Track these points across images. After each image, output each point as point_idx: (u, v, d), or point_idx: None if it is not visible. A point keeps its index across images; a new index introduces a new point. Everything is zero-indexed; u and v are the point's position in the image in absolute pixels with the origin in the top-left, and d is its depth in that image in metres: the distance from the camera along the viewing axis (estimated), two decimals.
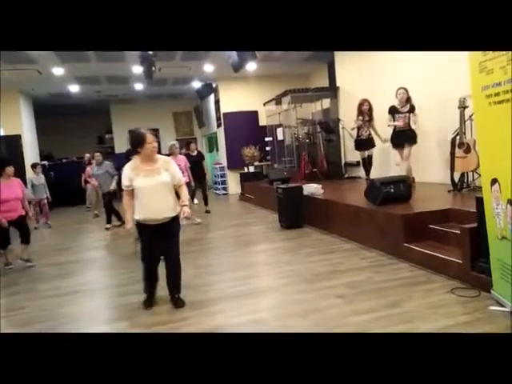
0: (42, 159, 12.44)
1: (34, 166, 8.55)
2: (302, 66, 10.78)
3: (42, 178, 8.36)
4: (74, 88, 11.07)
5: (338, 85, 9.33)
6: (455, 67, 5.49)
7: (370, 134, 6.77)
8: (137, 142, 3.24)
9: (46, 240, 5.50)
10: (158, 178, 3.25)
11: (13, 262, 5.21)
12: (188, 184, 6.65)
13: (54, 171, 12.13)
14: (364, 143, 6.82)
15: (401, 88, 5.91)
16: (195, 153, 8.11)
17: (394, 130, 6.02)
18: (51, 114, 13.60)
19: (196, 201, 8.05)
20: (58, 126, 14.36)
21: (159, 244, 3.40)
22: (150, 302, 3.51)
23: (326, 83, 10.33)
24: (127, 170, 3.31)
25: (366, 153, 6.89)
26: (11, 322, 3.47)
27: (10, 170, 5.13)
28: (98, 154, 7.77)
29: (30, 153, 11.21)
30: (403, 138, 5.95)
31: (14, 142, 10.60)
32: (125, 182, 3.32)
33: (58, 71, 9.03)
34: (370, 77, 7.85)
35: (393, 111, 5.99)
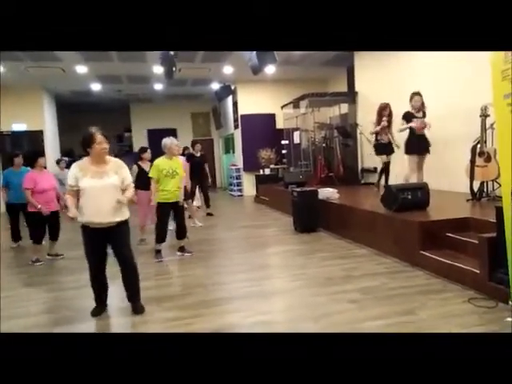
0: (62, 155, 12.69)
1: (58, 161, 8.85)
2: (320, 70, 10.77)
3: (66, 173, 8.59)
4: (96, 86, 11.29)
5: (356, 90, 9.29)
6: (477, 74, 5.42)
7: (389, 139, 6.58)
8: (86, 142, 3.10)
9: (67, 234, 5.59)
10: (105, 180, 3.12)
11: (41, 258, 5.18)
12: (185, 187, 6.63)
13: None
14: (385, 147, 6.59)
15: (416, 94, 5.67)
16: (199, 154, 8.03)
17: (412, 134, 5.75)
18: (73, 111, 13.89)
19: (196, 202, 7.93)
20: (78, 123, 14.48)
21: (103, 249, 3.26)
22: (96, 311, 3.33)
23: (344, 88, 10.30)
24: (74, 168, 3.16)
25: (386, 158, 6.65)
26: (29, 311, 3.56)
27: (42, 161, 5.18)
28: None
29: (51, 148, 11.47)
30: (419, 144, 5.68)
31: (36, 137, 10.91)
32: (70, 181, 3.16)
33: (81, 69, 9.23)
34: (389, 82, 7.79)
35: (408, 117, 5.72)
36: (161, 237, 5.03)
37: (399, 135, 6.07)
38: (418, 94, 5.69)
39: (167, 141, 5.00)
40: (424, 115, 5.72)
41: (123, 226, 3.26)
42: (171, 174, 4.90)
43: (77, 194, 3.16)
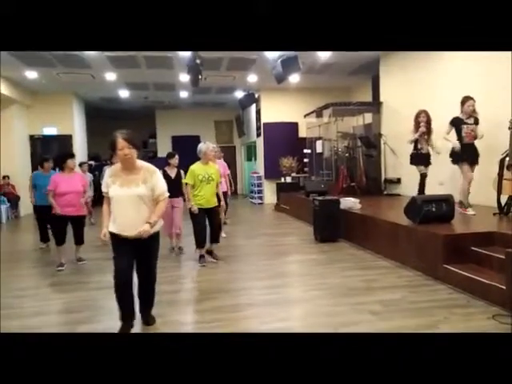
0: (89, 159, 13.08)
1: (80, 164, 9.09)
2: (345, 79, 10.75)
3: (87, 177, 8.84)
4: (124, 93, 11.61)
5: (381, 99, 9.21)
6: (507, 85, 5.31)
7: (429, 149, 6.12)
8: (110, 147, 2.91)
9: (89, 236, 5.72)
10: (133, 190, 2.88)
11: (65, 262, 5.10)
12: (225, 193, 6.41)
13: (98, 171, 12.72)
14: (423, 158, 6.13)
15: (470, 99, 5.23)
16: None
17: (460, 142, 5.33)
18: (100, 116, 14.30)
19: None
20: (106, 128, 14.78)
21: (132, 260, 2.99)
22: (123, 330, 2.97)
23: (369, 97, 10.24)
24: (106, 174, 3.02)
25: (424, 169, 6.18)
26: (50, 310, 3.67)
27: (71, 163, 5.09)
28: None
29: (80, 152, 11.81)
30: (468, 153, 5.32)
31: (65, 141, 11.31)
32: (103, 188, 3.03)
33: (110, 76, 9.52)
34: (415, 93, 7.70)
35: (457, 123, 5.30)
36: (199, 241, 4.97)
37: (442, 143, 5.65)
38: (471, 98, 5.26)
39: (202, 146, 4.92)
40: (476, 122, 5.33)
41: (152, 239, 3.01)
42: (207, 179, 4.83)
43: (109, 201, 3.00)
